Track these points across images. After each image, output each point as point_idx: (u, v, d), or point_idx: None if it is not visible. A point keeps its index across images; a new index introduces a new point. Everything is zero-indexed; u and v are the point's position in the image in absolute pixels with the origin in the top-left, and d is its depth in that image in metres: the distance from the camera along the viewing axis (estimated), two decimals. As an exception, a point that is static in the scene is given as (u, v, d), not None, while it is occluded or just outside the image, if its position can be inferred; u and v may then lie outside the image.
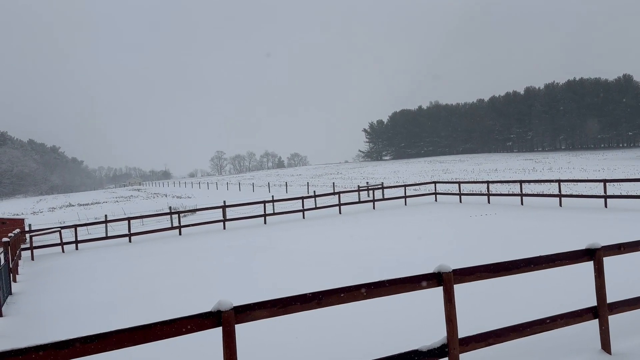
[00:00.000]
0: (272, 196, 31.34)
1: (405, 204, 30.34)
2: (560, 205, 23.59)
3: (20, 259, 18.90)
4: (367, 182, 47.15)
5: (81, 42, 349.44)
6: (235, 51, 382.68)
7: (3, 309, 11.04)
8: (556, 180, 24.18)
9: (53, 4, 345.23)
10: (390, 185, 41.27)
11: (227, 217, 26.05)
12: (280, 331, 7.53)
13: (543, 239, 14.62)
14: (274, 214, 27.06)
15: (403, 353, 5.03)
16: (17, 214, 46.27)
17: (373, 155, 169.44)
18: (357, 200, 31.03)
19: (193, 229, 25.55)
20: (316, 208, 28.56)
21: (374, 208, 29.50)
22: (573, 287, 8.83)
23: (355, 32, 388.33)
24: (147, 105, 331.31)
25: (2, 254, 13.24)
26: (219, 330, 4.32)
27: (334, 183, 50.50)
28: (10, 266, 13.94)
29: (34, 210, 57.20)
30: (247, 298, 8.76)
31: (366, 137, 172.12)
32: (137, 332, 3.94)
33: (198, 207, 33.44)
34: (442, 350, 5.10)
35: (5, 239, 13.86)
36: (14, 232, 17.20)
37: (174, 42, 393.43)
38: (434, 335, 6.22)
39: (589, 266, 6.20)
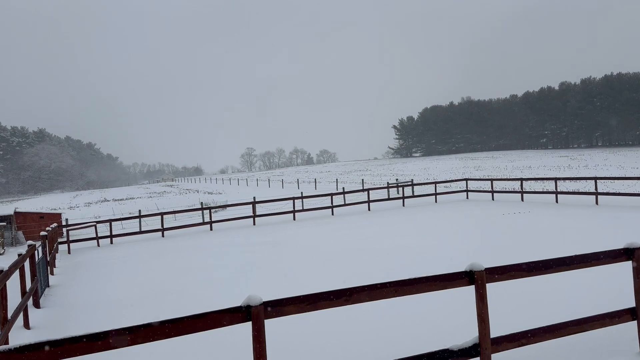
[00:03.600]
0: (301, 193, 31.42)
1: (436, 202, 30.00)
2: (597, 203, 22.93)
3: (57, 253, 19.48)
4: (397, 179, 46.82)
5: (111, 41, 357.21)
6: (266, 47, 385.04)
7: (41, 300, 11.39)
8: (592, 178, 23.52)
9: (83, 6, 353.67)
10: (420, 182, 40.88)
11: (257, 213, 26.26)
12: (309, 328, 7.54)
13: (579, 238, 14.23)
14: (303, 210, 27.13)
15: (434, 352, 4.97)
16: (55, 209, 47.72)
17: (403, 151, 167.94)
18: (387, 198, 30.83)
19: (224, 225, 25.84)
20: (345, 205, 28.50)
21: (403, 205, 29.27)
22: (610, 287, 8.57)
23: (386, 28, 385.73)
24: (180, 103, 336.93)
25: (41, 247, 13.65)
26: (248, 325, 4.34)
27: (363, 180, 50.32)
28: (48, 259, 14.37)
29: (70, 205, 58.83)
30: (276, 294, 8.80)
31: (396, 134, 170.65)
32: (169, 325, 3.99)
33: (229, 203, 33.83)
34: (474, 349, 5.02)
35: (43, 233, 14.28)
36: (51, 226, 17.73)
37: (204, 40, 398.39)
38: (466, 334, 6.13)
39: (627, 266, 6.00)
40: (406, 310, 8.07)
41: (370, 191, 29.64)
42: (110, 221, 23.60)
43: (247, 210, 29.14)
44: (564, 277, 8.01)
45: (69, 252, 20.84)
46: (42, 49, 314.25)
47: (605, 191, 25.60)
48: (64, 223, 26.40)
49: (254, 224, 25.48)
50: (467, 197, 30.92)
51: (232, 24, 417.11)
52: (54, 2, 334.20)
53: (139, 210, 26.85)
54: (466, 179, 31.81)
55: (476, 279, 5.01)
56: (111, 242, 23.03)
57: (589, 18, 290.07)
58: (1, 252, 22.72)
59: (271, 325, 4.87)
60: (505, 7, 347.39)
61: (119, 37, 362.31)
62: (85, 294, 12.17)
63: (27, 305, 9.39)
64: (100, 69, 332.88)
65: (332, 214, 27.46)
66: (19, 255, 9.66)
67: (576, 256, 5.57)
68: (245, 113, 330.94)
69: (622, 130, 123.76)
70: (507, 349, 5.25)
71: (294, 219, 26.44)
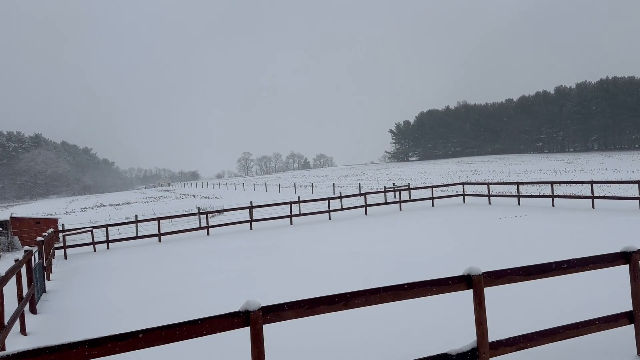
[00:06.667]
0: (298, 197, 31.42)
1: (433, 206, 30.03)
2: (593, 207, 23.01)
3: (53, 258, 19.39)
4: (394, 183, 46.86)
5: (107, 46, 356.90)
6: (264, 51, 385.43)
7: (37, 306, 11.34)
8: (588, 182, 23.60)
9: (78, 11, 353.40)
10: (417, 186, 40.93)
11: (254, 218, 26.22)
12: (307, 332, 7.53)
13: (575, 242, 14.28)
14: (300, 214, 27.12)
15: (432, 356, 4.97)
16: (51, 214, 47.57)
17: (399, 156, 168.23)
18: (384, 202, 30.85)
19: (221, 229, 25.80)
20: (342, 209, 28.51)
21: (400, 209, 29.29)
22: (607, 291, 8.60)
23: (383, 33, 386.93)
24: (176, 108, 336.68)
25: (37, 252, 13.60)
26: (247, 330, 4.34)
27: (359, 184, 50.35)
28: (45, 265, 14.30)
29: (66, 210, 58.66)
30: (273, 298, 8.79)
31: (392, 138, 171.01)
32: (167, 331, 3.99)
33: (225, 208, 33.77)
34: (472, 354, 5.02)
35: (39, 238, 14.22)
36: (48, 231, 17.64)
37: (201, 44, 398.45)
38: (464, 338, 6.14)
39: (624, 270, 6.03)
40: (404, 314, 8.08)
41: (367, 195, 29.66)
42: (106, 226, 23.52)
43: (244, 215, 29.10)
44: (562, 281, 8.04)
45: (66, 258, 20.75)
46: (38, 54, 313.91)
47: (601, 195, 25.69)
48: (60, 228, 26.29)
49: (251, 228, 25.44)
50: (464, 201, 30.97)
51: (230, 28, 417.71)
52: (49, 7, 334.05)
53: (136, 215, 26.79)
54: (463, 183, 31.87)
55: (474, 283, 5.02)
56: (108, 248, 22.95)
57: (584, 23, 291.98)
58: (-3, 258, 22.60)
59: (269, 326, 4.86)
60: (501, 12, 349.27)
61: (114, 42, 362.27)
62: (82, 300, 12.11)
63: (23, 311, 9.35)
64: (97, 74, 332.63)
65: (329, 218, 27.45)
66: (16, 260, 9.62)
67: (573, 260, 5.59)
68: (242, 118, 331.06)
69: (617, 134, 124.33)
70: (505, 353, 5.26)
71: (291, 223, 26.42)
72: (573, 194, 27.29)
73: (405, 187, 34.69)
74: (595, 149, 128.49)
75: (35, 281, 11.27)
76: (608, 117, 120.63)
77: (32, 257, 11.54)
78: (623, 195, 23.98)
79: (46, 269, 14.93)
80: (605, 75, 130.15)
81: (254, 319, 4.25)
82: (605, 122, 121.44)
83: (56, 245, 22.41)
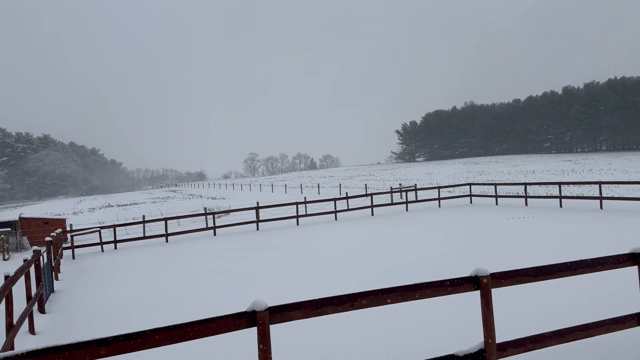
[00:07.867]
0: (305, 197, 31.42)
1: (439, 206, 29.95)
2: (601, 207, 22.86)
3: (62, 258, 19.50)
4: (400, 184, 46.73)
5: (114, 46, 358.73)
6: (270, 53, 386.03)
7: (46, 306, 11.41)
8: (597, 182, 23.45)
9: (85, 12, 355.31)
10: (424, 187, 40.81)
11: (260, 218, 26.26)
12: (313, 331, 7.53)
13: (584, 243, 14.19)
14: (306, 215, 27.13)
15: (439, 357, 4.96)
16: (59, 214, 47.82)
17: (406, 156, 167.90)
18: (390, 202, 30.78)
19: (227, 230, 25.86)
20: (348, 210, 28.48)
21: (407, 210, 29.23)
22: (615, 292, 8.53)
23: (390, 34, 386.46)
24: (184, 109, 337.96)
25: (45, 252, 13.68)
26: (253, 330, 4.35)
27: (366, 185, 50.28)
28: (53, 265, 14.40)
29: (74, 210, 58.97)
30: (280, 299, 8.80)
31: (399, 139, 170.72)
32: (174, 331, 4.00)
33: (232, 208, 33.85)
34: (479, 355, 5.00)
35: (48, 239, 14.31)
36: (56, 231, 17.75)
37: (209, 45, 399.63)
38: (471, 340, 6.11)
39: (633, 271, 5.99)
40: (410, 314, 8.05)
41: (373, 196, 29.62)
42: (114, 226, 23.63)
43: (251, 215, 29.15)
44: (570, 282, 8.00)
45: (74, 258, 20.87)
46: (47, 56, 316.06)
47: (609, 195, 25.53)
48: (68, 228, 26.45)
49: (258, 229, 25.48)
50: (471, 202, 30.86)
51: (236, 29, 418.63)
52: (54, 7, 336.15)
53: (143, 216, 26.88)
54: (470, 184, 31.75)
55: (481, 284, 5.00)
56: (115, 248, 23.06)
57: (592, 23, 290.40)
58: (6, 258, 22.78)
59: (275, 326, 4.87)
60: (509, 12, 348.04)
61: (122, 42, 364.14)
62: (90, 300, 12.18)
63: (32, 311, 9.41)
64: (105, 75, 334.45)
65: (336, 219, 27.44)
66: (25, 260, 9.69)
67: (581, 261, 5.56)
68: (249, 118, 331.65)
69: (626, 135, 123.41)
70: (513, 355, 5.23)
71: (297, 224, 26.43)
72: (581, 195, 27.13)
73: (412, 188, 34.62)
74: (603, 150, 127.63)
75: (43, 281, 11.34)
76: (616, 118, 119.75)
77: (41, 257, 11.62)
78: (632, 196, 23.82)
79: (54, 269, 15.03)
80: (614, 75, 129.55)
81: (260, 319, 4.26)
82: (614, 123, 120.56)
83: (64, 245, 22.54)
